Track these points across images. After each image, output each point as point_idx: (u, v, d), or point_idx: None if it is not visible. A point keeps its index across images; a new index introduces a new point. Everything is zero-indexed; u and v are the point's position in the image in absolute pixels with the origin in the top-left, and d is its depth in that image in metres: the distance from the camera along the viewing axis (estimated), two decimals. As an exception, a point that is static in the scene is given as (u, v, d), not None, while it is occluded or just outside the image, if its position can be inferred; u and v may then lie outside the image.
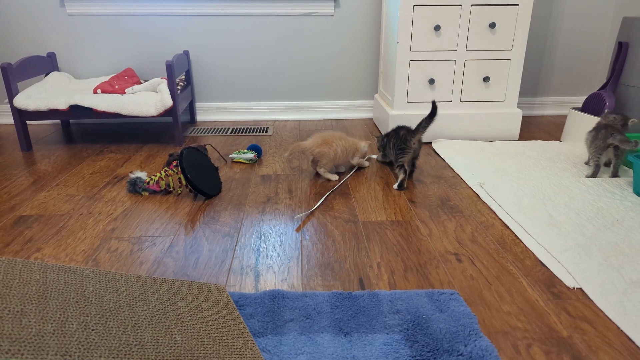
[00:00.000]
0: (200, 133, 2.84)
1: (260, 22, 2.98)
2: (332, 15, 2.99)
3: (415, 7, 2.40)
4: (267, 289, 1.27)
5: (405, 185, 2.00)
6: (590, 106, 2.49)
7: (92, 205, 1.82)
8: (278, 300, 1.21)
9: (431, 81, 2.54)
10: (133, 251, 1.48)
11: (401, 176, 2.00)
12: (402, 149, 2.01)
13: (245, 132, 2.86)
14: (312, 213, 1.76)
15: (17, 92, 2.42)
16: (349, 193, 1.95)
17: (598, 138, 2.02)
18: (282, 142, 2.66)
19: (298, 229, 1.64)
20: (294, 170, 2.22)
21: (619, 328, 1.13)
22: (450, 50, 2.51)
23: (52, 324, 0.74)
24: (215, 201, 1.87)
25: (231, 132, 2.86)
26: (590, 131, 2.09)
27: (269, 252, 1.49)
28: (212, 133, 2.84)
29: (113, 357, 0.74)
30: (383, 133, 2.32)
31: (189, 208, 1.81)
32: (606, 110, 2.19)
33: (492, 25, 2.44)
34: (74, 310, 0.80)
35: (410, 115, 2.57)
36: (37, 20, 2.88)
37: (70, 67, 2.99)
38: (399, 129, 2.10)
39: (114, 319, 0.83)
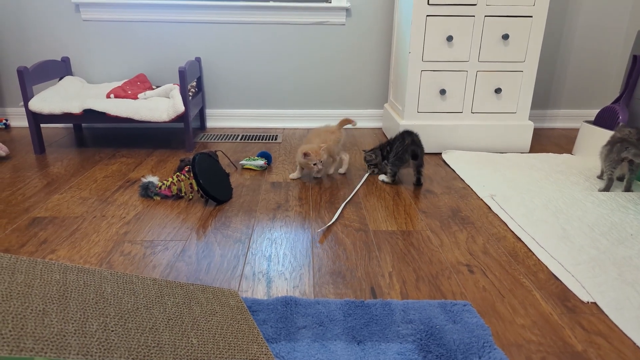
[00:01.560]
0: (211, 139, 2.86)
1: (272, 30, 3.00)
2: (344, 25, 3.01)
3: (428, 17, 2.42)
4: (280, 296, 1.27)
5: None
6: (603, 120, 2.49)
7: (105, 209, 1.83)
8: (291, 306, 1.21)
9: (442, 92, 2.54)
10: (146, 255, 1.49)
11: (388, 179, 2.16)
12: (400, 159, 2.10)
13: (255, 140, 2.87)
14: (322, 221, 1.76)
15: (32, 96, 2.45)
16: (360, 202, 1.95)
17: (613, 152, 2.01)
18: (292, 150, 2.66)
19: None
20: (304, 177, 2.22)
21: (634, 344, 1.12)
22: (463, 60, 2.52)
23: (73, 324, 0.75)
24: (226, 207, 1.88)
25: (241, 139, 2.87)
26: (606, 145, 2.08)
27: (280, 258, 1.49)
28: (222, 139, 2.86)
29: (132, 358, 0.75)
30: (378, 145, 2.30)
31: (200, 213, 1.81)
32: (620, 124, 2.17)
33: (505, 37, 2.45)
34: (93, 311, 0.80)
35: (420, 125, 2.58)
36: (53, 25, 2.91)
37: (84, 72, 3.02)
38: (407, 134, 2.13)
39: (132, 320, 0.83)
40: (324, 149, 2.07)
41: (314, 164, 2.07)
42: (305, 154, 2.05)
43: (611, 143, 2.05)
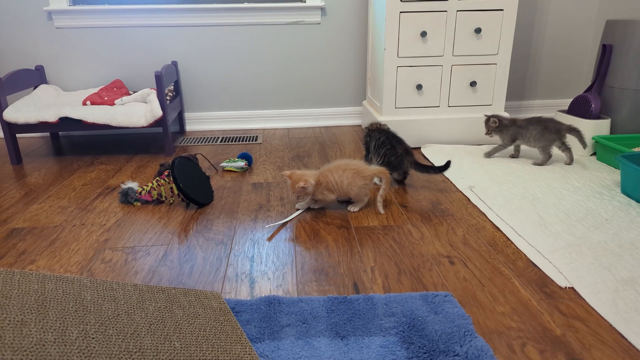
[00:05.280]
0: (190, 143, 2.85)
1: (248, 31, 3.00)
2: (319, 24, 3.02)
3: (401, 13, 2.44)
4: (263, 295, 1.28)
5: None
6: (576, 108, 2.54)
7: (85, 217, 1.82)
8: (274, 305, 1.22)
9: (419, 87, 2.57)
10: (127, 261, 1.48)
11: (383, 186, 1.91)
12: (394, 166, 2.01)
13: (235, 141, 2.87)
14: (304, 219, 1.77)
15: (6, 106, 2.41)
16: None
17: (546, 132, 2.25)
18: (272, 150, 2.67)
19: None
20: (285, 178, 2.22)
21: (611, 325, 1.15)
22: (437, 55, 2.54)
23: (52, 333, 0.74)
24: (208, 210, 1.88)
25: (221, 141, 2.86)
26: (534, 127, 2.29)
27: (263, 258, 1.50)
28: (201, 142, 2.85)
29: (114, 365, 0.75)
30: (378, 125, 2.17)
31: (182, 217, 1.81)
32: (491, 115, 2.39)
33: (478, 31, 2.48)
34: (73, 319, 0.80)
35: (399, 120, 2.60)
36: (25, 33, 2.87)
37: (59, 80, 2.98)
38: (397, 142, 2.04)
39: (113, 327, 0.83)
40: (308, 183, 1.77)
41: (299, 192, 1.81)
42: (290, 177, 1.82)
43: (543, 125, 2.27)
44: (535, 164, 2.30)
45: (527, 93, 3.29)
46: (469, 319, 1.15)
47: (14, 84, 2.52)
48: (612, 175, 2.11)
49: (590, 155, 2.41)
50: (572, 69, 3.26)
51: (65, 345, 0.74)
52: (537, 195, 1.90)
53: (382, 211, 1.83)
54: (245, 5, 2.90)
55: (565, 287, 1.31)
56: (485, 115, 2.40)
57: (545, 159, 2.29)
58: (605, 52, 2.45)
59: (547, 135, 2.25)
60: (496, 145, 2.46)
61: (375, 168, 1.85)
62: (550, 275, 1.36)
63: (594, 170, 2.17)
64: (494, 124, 2.36)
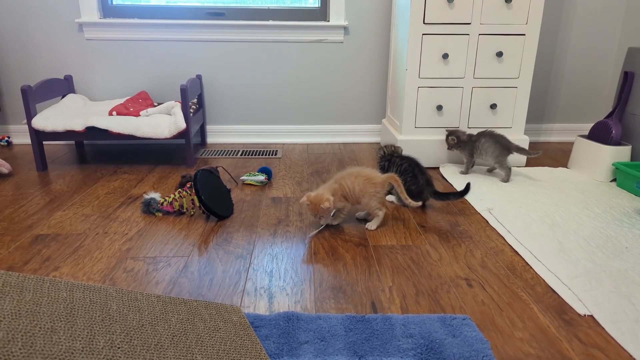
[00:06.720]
0: (211, 155, 2.89)
1: (271, 48, 3.05)
2: (342, 42, 3.06)
3: (424, 35, 2.46)
4: (281, 311, 1.29)
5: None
6: (596, 134, 2.52)
7: (108, 225, 1.85)
8: (293, 322, 1.23)
9: (439, 107, 2.58)
10: (149, 271, 1.51)
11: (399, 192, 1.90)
12: (413, 195, 1.97)
13: (255, 155, 2.90)
14: (322, 236, 1.78)
15: (35, 114, 2.48)
16: (360, 217, 1.97)
17: (497, 147, 2.37)
18: (292, 165, 2.69)
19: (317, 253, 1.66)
20: (304, 192, 2.24)
21: (631, 356, 1.14)
22: (458, 77, 2.56)
23: (80, 341, 0.77)
24: (228, 223, 1.90)
25: (241, 155, 2.90)
26: (486, 140, 2.40)
27: (282, 274, 1.51)
28: (222, 155, 2.89)
29: (139, 375, 0.76)
30: (394, 148, 2.20)
31: (202, 229, 1.83)
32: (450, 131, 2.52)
33: (500, 54, 2.49)
34: (100, 328, 0.82)
35: (418, 140, 2.61)
36: (56, 44, 2.95)
37: (86, 90, 3.06)
38: (420, 172, 2.03)
39: (137, 337, 0.85)
40: (330, 201, 1.75)
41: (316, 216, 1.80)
42: (309, 204, 1.78)
43: (494, 140, 2.38)
44: (503, 181, 2.39)
45: (546, 116, 3.28)
46: (487, 344, 1.15)
47: (43, 92, 2.59)
48: (632, 203, 2.09)
49: (610, 181, 2.39)
50: (593, 95, 3.24)
51: (92, 354, 0.76)
52: (556, 220, 1.90)
53: (414, 204, 1.87)
54: (270, 22, 2.95)
55: (585, 315, 1.30)
56: (447, 131, 2.53)
57: (508, 173, 2.39)
58: (627, 79, 2.44)
59: (499, 149, 2.37)
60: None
61: (385, 175, 1.87)
62: (570, 302, 1.35)
63: (614, 197, 2.16)
64: (452, 141, 2.49)
